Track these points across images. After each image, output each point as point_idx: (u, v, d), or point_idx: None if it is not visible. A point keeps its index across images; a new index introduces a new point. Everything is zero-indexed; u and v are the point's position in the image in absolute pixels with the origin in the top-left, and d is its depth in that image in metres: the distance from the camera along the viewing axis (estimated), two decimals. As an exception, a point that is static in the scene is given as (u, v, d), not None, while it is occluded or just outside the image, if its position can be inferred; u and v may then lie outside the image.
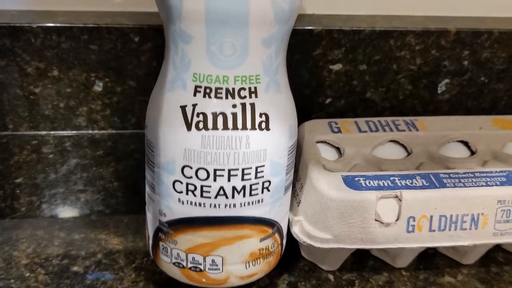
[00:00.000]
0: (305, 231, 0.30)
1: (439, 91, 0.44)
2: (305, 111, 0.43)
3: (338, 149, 0.34)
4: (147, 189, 0.28)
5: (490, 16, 0.44)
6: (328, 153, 0.33)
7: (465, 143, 0.35)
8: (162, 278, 0.30)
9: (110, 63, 0.40)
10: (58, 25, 0.38)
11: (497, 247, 0.33)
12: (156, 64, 0.40)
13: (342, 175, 0.30)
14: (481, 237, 0.30)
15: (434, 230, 0.29)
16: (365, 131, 0.34)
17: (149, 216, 0.29)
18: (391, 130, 0.34)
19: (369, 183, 0.29)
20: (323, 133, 0.34)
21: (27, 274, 0.30)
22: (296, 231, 0.30)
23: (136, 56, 0.40)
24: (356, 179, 0.30)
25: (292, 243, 0.32)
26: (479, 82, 0.44)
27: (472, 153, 0.35)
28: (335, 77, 0.42)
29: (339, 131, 0.34)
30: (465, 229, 0.30)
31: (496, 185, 0.30)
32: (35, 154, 0.40)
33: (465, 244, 0.30)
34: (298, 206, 0.31)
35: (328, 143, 0.34)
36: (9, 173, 0.38)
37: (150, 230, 0.29)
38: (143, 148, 0.29)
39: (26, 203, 0.36)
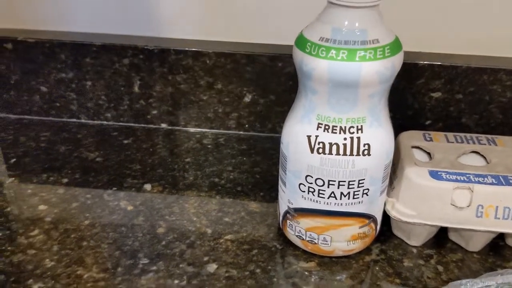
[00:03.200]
0: (396, 208, 0.40)
1: (528, 122, 0.51)
2: (408, 130, 0.52)
3: (429, 154, 0.43)
4: (280, 182, 0.40)
5: None
6: (420, 156, 0.43)
7: (539, 160, 0.43)
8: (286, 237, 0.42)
9: (259, 81, 0.54)
10: (226, 51, 0.53)
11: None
12: (292, 83, 0.53)
13: (428, 169, 0.39)
14: (541, 229, 0.38)
15: (498, 218, 0.38)
16: (452, 142, 0.43)
17: (280, 198, 0.40)
18: (474, 143, 0.43)
19: (449, 176, 0.39)
20: (417, 140, 0.44)
21: (194, 219, 0.44)
22: (389, 208, 0.40)
23: (277, 76, 0.53)
24: (439, 172, 0.39)
25: (388, 224, 0.41)
26: None
27: (545, 168, 0.42)
28: (435, 102, 0.51)
29: (431, 140, 0.44)
30: (526, 220, 0.38)
31: (556, 189, 0.37)
32: (198, 144, 0.55)
33: (526, 233, 0.38)
34: (392, 190, 0.41)
35: (421, 149, 0.44)
36: (181, 155, 0.53)
37: (281, 209, 0.41)
38: (276, 146, 0.42)
39: (193, 175, 0.50)
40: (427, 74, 0.50)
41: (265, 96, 0.54)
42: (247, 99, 0.55)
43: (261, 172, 0.50)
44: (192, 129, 0.57)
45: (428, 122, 0.53)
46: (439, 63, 0.50)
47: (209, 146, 0.54)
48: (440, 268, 0.39)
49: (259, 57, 0.53)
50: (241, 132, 0.56)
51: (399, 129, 0.46)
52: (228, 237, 0.42)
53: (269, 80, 0.53)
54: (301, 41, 0.35)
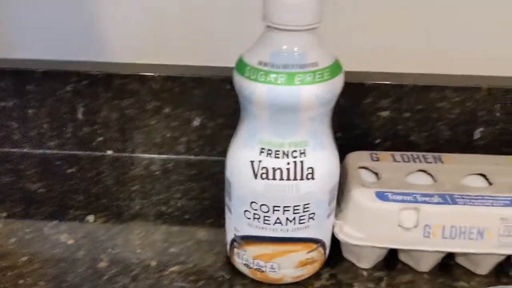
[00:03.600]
0: (344, 231, 0.39)
1: (474, 137, 0.52)
2: (357, 150, 0.52)
3: (376, 174, 0.43)
4: (226, 209, 0.39)
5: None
6: (368, 177, 0.43)
7: (484, 176, 0.43)
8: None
9: (207, 104, 0.53)
10: (172, 75, 0.52)
11: (508, 261, 0.40)
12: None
13: (375, 190, 0.39)
14: (487, 247, 0.38)
15: (446, 238, 0.38)
16: (399, 161, 0.43)
17: (227, 226, 0.39)
18: (421, 161, 0.43)
19: (395, 197, 0.38)
20: (364, 161, 0.43)
21: (139, 250, 0.42)
22: (337, 231, 0.39)
23: (226, 99, 0.52)
24: (385, 193, 0.39)
25: (338, 247, 0.41)
26: (510, 131, 0.51)
27: (490, 184, 0.43)
28: (382, 121, 0.51)
29: (378, 160, 0.43)
30: (473, 239, 0.37)
31: (500, 206, 0.38)
32: (146, 170, 0.53)
33: (472, 252, 0.38)
34: (340, 212, 0.40)
35: (368, 169, 0.43)
36: (127, 182, 0.51)
37: (228, 237, 0.39)
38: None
39: (139, 204, 0.48)
40: (374, 93, 0.50)
41: (214, 119, 0.53)
42: (196, 122, 0.54)
43: (210, 198, 0.49)
44: (139, 155, 0.55)
45: (377, 141, 0.53)
46: (387, 82, 0.50)
47: (157, 173, 0.53)
48: (391, 290, 0.39)
49: (207, 80, 0.52)
50: (191, 157, 0.55)
51: (347, 149, 0.46)
52: (174, 268, 0.40)
53: (218, 103, 0.52)
54: (240, 65, 0.34)
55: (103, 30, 0.53)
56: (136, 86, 0.52)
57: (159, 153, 0.55)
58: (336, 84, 0.34)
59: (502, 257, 0.39)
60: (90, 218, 0.46)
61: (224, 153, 0.53)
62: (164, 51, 0.54)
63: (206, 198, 0.49)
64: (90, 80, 0.52)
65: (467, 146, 0.52)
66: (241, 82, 0.34)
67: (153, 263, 0.41)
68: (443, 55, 0.52)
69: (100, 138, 0.55)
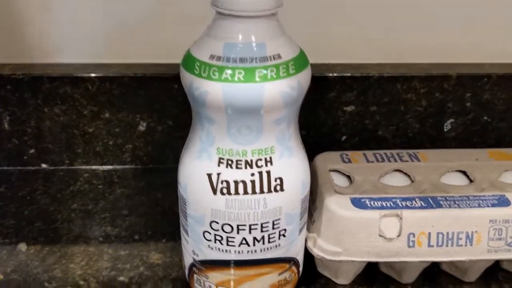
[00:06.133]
0: (318, 245, 0.34)
1: (445, 129, 0.48)
2: (324, 147, 0.48)
3: (348, 177, 0.39)
4: (182, 230, 0.33)
5: (489, 62, 0.49)
6: (340, 180, 0.38)
7: (464, 173, 0.39)
8: None
9: (153, 106, 0.47)
10: (110, 75, 0.45)
11: (497, 266, 0.37)
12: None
13: (350, 197, 0.34)
14: (476, 253, 0.34)
15: (432, 246, 0.33)
16: (372, 162, 0.39)
17: (184, 249, 0.34)
18: (396, 160, 0.39)
19: (374, 203, 0.34)
20: (335, 163, 0.39)
21: (81, 282, 0.36)
22: (310, 245, 0.35)
23: (174, 98, 0.46)
24: (362, 200, 0.34)
25: (312, 261, 0.36)
26: (482, 121, 0.48)
27: (471, 181, 0.39)
28: (349, 116, 0.47)
29: (349, 161, 0.39)
30: (461, 245, 0.34)
31: (488, 206, 0.34)
32: (87, 185, 0.46)
33: (462, 259, 0.34)
34: (312, 224, 0.35)
35: (340, 172, 0.39)
36: (65, 200, 0.44)
37: (186, 261, 0.34)
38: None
39: (80, 225, 0.41)
40: (338, 87, 0.46)
41: (163, 122, 0.47)
42: (142, 127, 0.47)
43: (163, 212, 0.43)
44: (79, 168, 0.48)
45: (344, 138, 0.48)
46: (350, 75, 0.45)
47: (100, 187, 0.46)
48: (374, 308, 0.34)
49: (152, 79, 0.46)
50: (138, 166, 0.49)
51: (313, 148, 0.41)
52: (124, 302, 0.34)
53: (166, 104, 0.46)
54: (188, 61, 0.29)
55: (26, 26, 0.46)
56: (69, 90, 0.45)
57: (102, 164, 0.49)
58: (303, 79, 0.29)
59: (491, 262, 0.35)
60: (22, 246, 0.39)
61: (177, 159, 0.47)
62: (99, 49, 0.47)
63: (159, 213, 0.43)
64: (15, 84, 0.45)
65: (437, 139, 0.49)
66: (191, 81, 0.28)
67: (98, 299, 0.35)
68: (408, 42, 0.48)
69: (32, 151, 0.48)
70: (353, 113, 0.47)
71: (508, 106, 0.47)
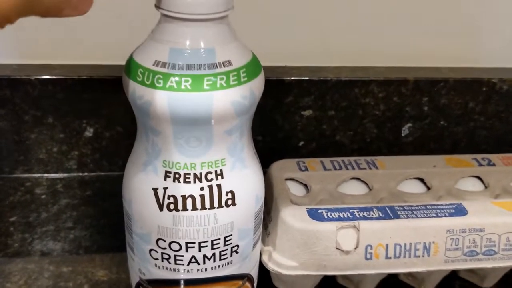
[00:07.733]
0: (274, 259, 0.33)
1: (403, 134, 0.48)
2: (280, 153, 0.46)
3: (305, 185, 0.37)
4: (128, 247, 0.31)
5: (446, 66, 0.48)
6: (296, 190, 0.37)
7: (421, 180, 0.39)
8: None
9: (101, 111, 0.44)
10: (53, 77, 0.42)
11: (455, 275, 0.36)
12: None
13: (306, 208, 0.33)
14: (434, 263, 0.33)
15: (390, 258, 0.33)
16: (330, 169, 0.38)
17: (130, 267, 0.31)
18: (353, 168, 0.38)
19: (331, 215, 0.33)
20: (291, 171, 0.37)
21: (18, 304, 0.33)
22: (265, 260, 0.33)
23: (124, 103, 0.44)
24: (319, 211, 0.33)
25: (267, 274, 0.34)
26: (439, 126, 0.48)
27: (428, 189, 0.38)
28: (306, 121, 0.46)
29: (306, 169, 0.37)
30: (419, 256, 0.33)
31: (445, 216, 0.33)
32: (29, 195, 0.43)
33: (419, 270, 0.33)
34: (267, 237, 0.34)
35: (297, 180, 0.37)
36: (4, 212, 0.41)
37: (133, 280, 0.32)
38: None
39: (19, 239, 0.38)
40: (295, 91, 0.44)
41: (111, 127, 0.45)
42: (89, 133, 0.45)
43: (110, 225, 0.40)
44: (19, 176, 0.45)
45: (301, 143, 0.47)
46: (308, 78, 0.44)
47: (43, 197, 0.43)
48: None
49: (99, 82, 0.43)
50: (85, 174, 0.46)
51: (270, 154, 0.40)
52: (65, 325, 0.32)
53: (114, 109, 0.44)
54: (131, 67, 0.27)
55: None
56: (7, 93, 0.42)
57: (45, 172, 0.46)
58: (256, 86, 0.27)
59: (449, 271, 0.35)
60: (-48, 265, 0.36)
61: (125, 166, 0.44)
62: (40, 49, 0.44)
63: (106, 225, 0.40)
64: None
65: (395, 144, 0.48)
66: (133, 89, 0.26)
67: (36, 323, 0.32)
68: (365, 45, 0.47)
69: (-33, 159, 0.44)
70: (310, 118, 0.46)
71: (464, 110, 0.47)
